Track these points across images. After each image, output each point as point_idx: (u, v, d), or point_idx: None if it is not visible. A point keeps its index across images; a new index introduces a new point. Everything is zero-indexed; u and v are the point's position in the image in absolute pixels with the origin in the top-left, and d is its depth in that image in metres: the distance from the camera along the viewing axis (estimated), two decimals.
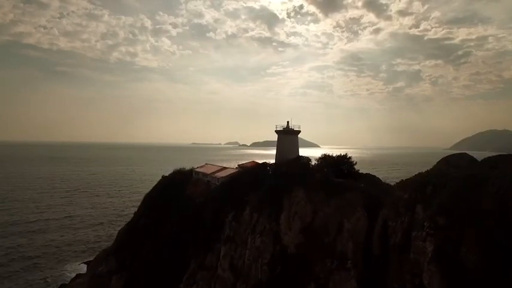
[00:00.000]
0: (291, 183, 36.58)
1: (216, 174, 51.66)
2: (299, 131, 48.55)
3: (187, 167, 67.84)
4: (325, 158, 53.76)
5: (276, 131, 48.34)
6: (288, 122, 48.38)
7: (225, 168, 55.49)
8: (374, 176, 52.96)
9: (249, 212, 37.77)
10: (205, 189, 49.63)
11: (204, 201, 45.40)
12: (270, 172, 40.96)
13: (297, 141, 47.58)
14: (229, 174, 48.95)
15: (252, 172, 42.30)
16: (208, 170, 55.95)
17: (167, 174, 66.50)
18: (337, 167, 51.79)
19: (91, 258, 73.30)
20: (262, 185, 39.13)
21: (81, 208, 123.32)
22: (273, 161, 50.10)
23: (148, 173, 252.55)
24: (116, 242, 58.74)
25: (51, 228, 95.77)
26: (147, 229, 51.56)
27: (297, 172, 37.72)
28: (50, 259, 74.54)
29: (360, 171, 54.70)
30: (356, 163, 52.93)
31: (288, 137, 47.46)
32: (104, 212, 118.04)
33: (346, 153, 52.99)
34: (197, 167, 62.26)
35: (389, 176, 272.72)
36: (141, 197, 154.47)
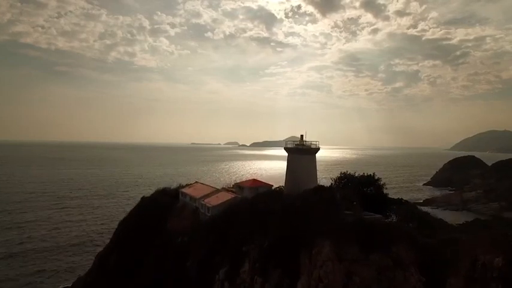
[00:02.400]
0: (311, 230, 24.86)
1: (206, 201, 40.01)
2: (318, 149, 35.81)
3: (177, 180, 56.39)
4: (345, 178, 42.34)
5: (285, 148, 35.79)
6: (302, 135, 35.37)
7: (217, 191, 43.76)
8: (407, 202, 41.67)
9: (248, 269, 26.14)
10: (191, 221, 38.00)
11: (189, 242, 33.77)
12: (279, 207, 29.21)
13: (315, 163, 34.27)
14: (223, 202, 37.31)
15: (253, 205, 30.58)
16: (197, 193, 44.26)
17: (150, 193, 54.88)
18: (362, 189, 40.53)
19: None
20: (268, 226, 27.44)
21: (68, 220, 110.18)
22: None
23: (145, 176, 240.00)
24: (84, 283, 47.07)
25: (27, 252, 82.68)
26: (118, 271, 39.91)
27: (318, 211, 25.96)
28: None
29: (388, 194, 43.49)
30: (386, 186, 41.44)
31: (302, 157, 34.16)
32: (91, 226, 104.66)
33: (373, 173, 41.56)
34: (185, 186, 50.54)
35: (396, 179, 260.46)
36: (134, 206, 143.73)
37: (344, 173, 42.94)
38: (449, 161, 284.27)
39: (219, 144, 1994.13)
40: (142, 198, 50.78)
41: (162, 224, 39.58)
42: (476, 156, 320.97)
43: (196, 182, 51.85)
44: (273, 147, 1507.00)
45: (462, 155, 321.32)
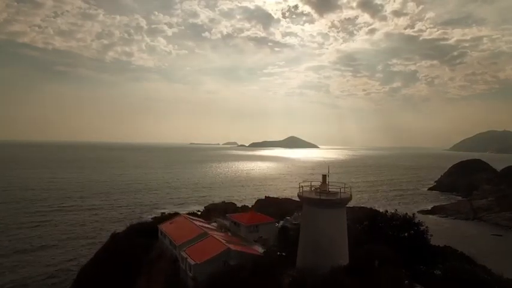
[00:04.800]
0: None
1: (188, 252, 29.73)
2: (349, 199, 23.32)
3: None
4: (373, 219, 32.27)
5: (300, 196, 23.66)
6: (324, 176, 23.57)
7: (205, 234, 33.35)
8: (461, 254, 31.73)
9: None
10: (166, 285, 27.74)
11: None
12: None
13: (345, 223, 22.23)
14: (211, 259, 27.04)
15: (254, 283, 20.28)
16: (178, 235, 34.01)
17: (128, 224, 44.50)
18: (397, 233, 30.63)
19: None
20: None
21: (44, 240, 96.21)
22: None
23: (140, 179, 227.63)
24: None
25: None
26: None
27: None
28: None
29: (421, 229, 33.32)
30: (428, 231, 31.34)
31: (327, 213, 21.58)
32: (69, 248, 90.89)
33: (413, 214, 31.54)
34: (167, 220, 40.19)
35: (399, 183, 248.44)
36: (124, 218, 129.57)
37: (371, 208, 32.78)
38: (455, 164, 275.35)
39: (218, 144, 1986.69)
40: (112, 236, 40.45)
41: (130, 283, 29.39)
42: (476, 156, 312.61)
43: (181, 214, 41.42)
44: (271, 147, 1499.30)
45: (462, 155, 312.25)
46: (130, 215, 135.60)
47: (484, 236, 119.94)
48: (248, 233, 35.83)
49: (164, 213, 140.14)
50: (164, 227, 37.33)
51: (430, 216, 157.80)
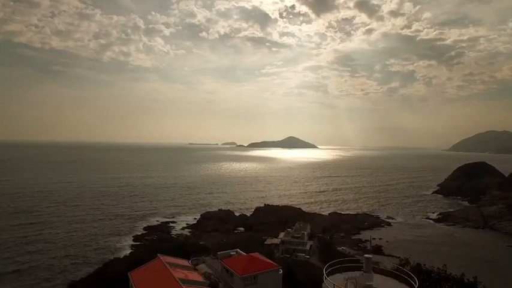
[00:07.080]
0: None
1: None
2: None
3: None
4: (420, 279, 23.60)
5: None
6: (368, 260, 14.10)
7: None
8: None
9: None
10: None
11: None
12: None
13: None
14: None
15: None
16: None
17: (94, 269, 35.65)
18: None
19: None
20: None
21: (25, 261, 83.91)
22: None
23: (138, 184, 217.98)
24: None
25: None
26: None
27: None
28: None
29: None
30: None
31: None
32: (45, 273, 79.52)
33: (474, 279, 23.07)
34: (140, 266, 31.24)
35: (402, 187, 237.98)
36: (116, 230, 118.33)
37: (406, 259, 24.15)
38: (459, 167, 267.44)
39: (217, 144, 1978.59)
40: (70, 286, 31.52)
41: None
42: (475, 156, 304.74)
43: (159, 255, 32.40)
44: (270, 148, 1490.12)
45: (462, 156, 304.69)
46: (123, 224, 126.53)
47: (499, 248, 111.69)
48: (244, 287, 27.20)
49: (159, 221, 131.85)
50: (135, 277, 28.54)
51: (437, 224, 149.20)
